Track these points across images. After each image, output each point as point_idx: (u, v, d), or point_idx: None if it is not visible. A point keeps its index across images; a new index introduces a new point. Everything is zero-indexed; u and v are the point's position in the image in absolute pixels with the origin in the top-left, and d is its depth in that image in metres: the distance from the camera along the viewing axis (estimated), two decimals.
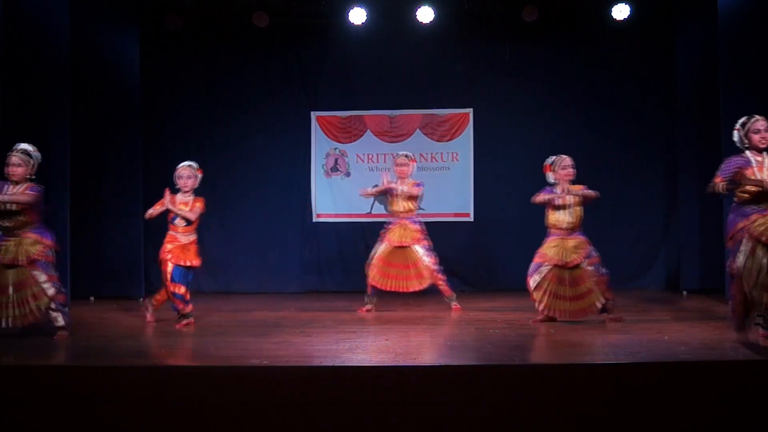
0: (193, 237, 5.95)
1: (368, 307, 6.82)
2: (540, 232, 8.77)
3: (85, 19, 7.62)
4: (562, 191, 5.85)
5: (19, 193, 5.09)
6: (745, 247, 4.61)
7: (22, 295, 5.07)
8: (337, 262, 9.08)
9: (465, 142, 8.94)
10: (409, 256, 6.78)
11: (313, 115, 9.10)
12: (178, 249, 5.84)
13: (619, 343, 4.88)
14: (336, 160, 9.10)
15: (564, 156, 5.99)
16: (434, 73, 9.00)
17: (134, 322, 6.24)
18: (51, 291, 5.12)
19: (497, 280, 8.72)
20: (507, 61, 8.88)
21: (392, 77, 9.02)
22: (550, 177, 6.01)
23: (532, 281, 5.86)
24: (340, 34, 8.79)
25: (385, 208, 9.03)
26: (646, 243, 8.81)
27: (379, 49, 8.93)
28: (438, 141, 8.99)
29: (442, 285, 6.81)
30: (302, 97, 9.10)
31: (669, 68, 8.54)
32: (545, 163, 6.07)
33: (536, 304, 5.84)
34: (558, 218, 5.90)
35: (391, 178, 6.93)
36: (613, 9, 8.35)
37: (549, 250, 5.85)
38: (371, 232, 9.06)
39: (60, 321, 5.16)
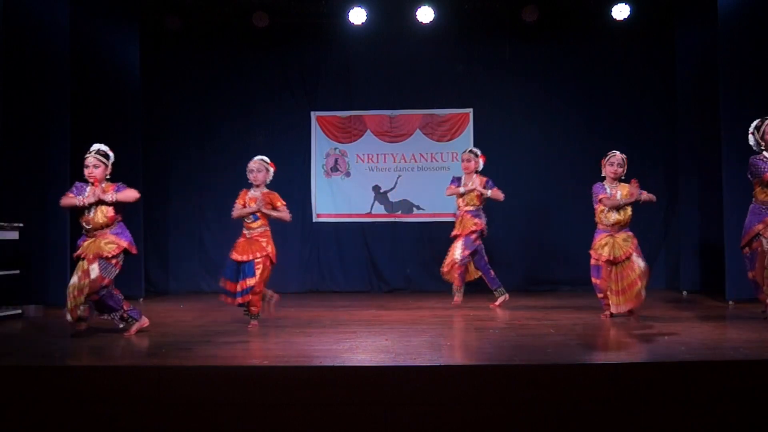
0: (262, 230, 5.82)
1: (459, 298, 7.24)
2: (540, 231, 8.88)
3: (85, 19, 7.62)
4: (612, 189, 5.87)
5: (110, 191, 5.11)
6: (761, 255, 4.58)
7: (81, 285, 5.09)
8: (337, 262, 9.09)
9: (465, 142, 8.93)
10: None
11: (313, 115, 9.10)
12: (243, 244, 5.78)
13: (619, 343, 4.88)
14: (336, 160, 9.10)
15: (615, 152, 5.98)
16: (434, 73, 9.01)
17: None
18: (89, 287, 5.09)
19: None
20: (507, 61, 8.88)
21: (392, 77, 9.03)
22: (604, 172, 6.00)
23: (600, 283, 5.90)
24: (340, 34, 8.80)
25: (385, 209, 9.09)
26: (646, 243, 8.74)
27: (379, 49, 8.93)
28: (438, 141, 8.99)
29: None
30: (302, 97, 9.11)
31: (669, 68, 8.55)
32: (603, 158, 6.05)
33: (604, 301, 5.92)
34: (606, 215, 5.90)
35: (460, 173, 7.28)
36: (613, 9, 8.37)
37: (602, 249, 5.86)
38: (371, 232, 9.09)
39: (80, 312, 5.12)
